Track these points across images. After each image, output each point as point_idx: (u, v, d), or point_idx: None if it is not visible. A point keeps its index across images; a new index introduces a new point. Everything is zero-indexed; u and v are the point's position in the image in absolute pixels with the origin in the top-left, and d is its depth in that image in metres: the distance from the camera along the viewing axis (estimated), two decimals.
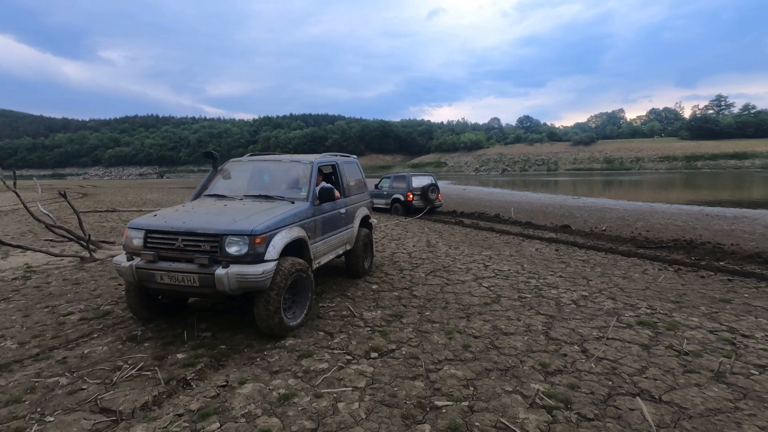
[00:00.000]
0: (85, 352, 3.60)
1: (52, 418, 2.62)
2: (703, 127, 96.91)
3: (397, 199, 15.12)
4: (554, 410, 2.70)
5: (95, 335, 3.98)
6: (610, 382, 3.06)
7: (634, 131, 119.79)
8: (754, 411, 2.68)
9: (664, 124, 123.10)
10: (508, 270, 6.56)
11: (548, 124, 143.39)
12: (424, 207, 14.82)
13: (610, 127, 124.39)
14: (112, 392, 2.92)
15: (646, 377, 3.14)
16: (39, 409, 2.72)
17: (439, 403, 2.77)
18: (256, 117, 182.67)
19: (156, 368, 3.25)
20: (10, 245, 6.93)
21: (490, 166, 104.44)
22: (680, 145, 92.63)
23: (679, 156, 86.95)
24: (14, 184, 7.24)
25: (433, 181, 15.48)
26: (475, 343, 3.76)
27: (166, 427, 2.50)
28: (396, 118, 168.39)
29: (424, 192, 14.73)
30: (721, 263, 6.99)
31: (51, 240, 8.60)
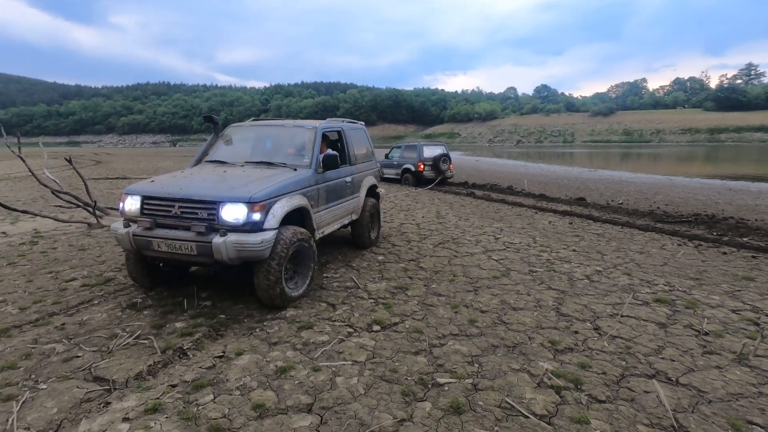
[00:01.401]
0: (84, 318, 3.55)
1: (45, 386, 2.57)
2: (730, 98, 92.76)
3: (408, 170, 14.79)
4: (563, 391, 2.55)
5: (95, 302, 3.94)
6: (624, 362, 2.89)
7: (656, 102, 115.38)
8: None
9: (689, 94, 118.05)
10: (519, 243, 6.35)
11: (566, 94, 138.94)
12: (435, 178, 14.46)
13: (632, 98, 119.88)
14: (107, 361, 2.86)
15: (662, 358, 2.96)
16: (33, 376, 2.68)
17: (442, 380, 2.65)
18: (268, 85, 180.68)
19: (153, 337, 3.18)
20: (17, 210, 6.92)
21: (504, 138, 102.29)
22: (704, 117, 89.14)
23: (702, 128, 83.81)
24: (19, 149, 7.16)
25: (445, 151, 15.07)
26: (482, 318, 3.61)
27: (158, 398, 2.43)
28: (409, 87, 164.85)
29: (436, 162, 14.33)
30: (744, 239, 6.67)
31: (60, 206, 8.61)
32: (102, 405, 2.39)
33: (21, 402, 2.39)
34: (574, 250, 5.94)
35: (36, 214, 7.42)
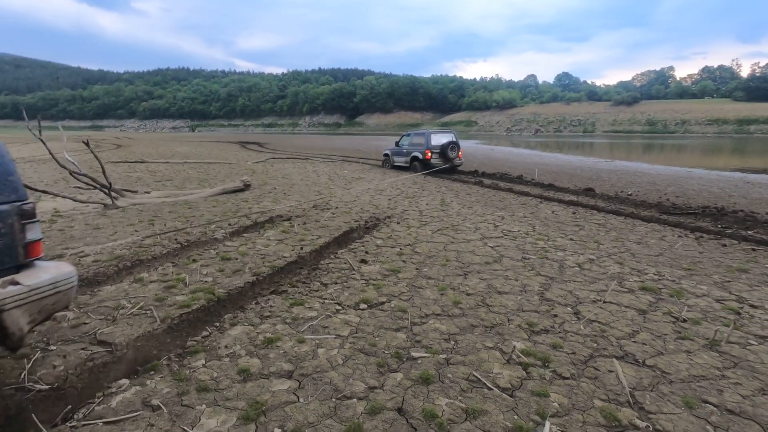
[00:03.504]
0: (94, 290, 3.83)
1: (54, 347, 2.83)
2: (761, 88, 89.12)
3: (416, 158, 14.83)
4: (530, 367, 2.69)
5: (105, 276, 4.22)
6: (595, 344, 3.01)
7: (682, 91, 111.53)
8: (741, 380, 2.60)
9: (718, 83, 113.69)
10: (518, 231, 6.43)
11: (589, 82, 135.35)
12: (443, 165, 14.34)
13: (657, 87, 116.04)
14: (111, 327, 3.12)
15: (634, 341, 3.07)
16: (45, 339, 2.95)
17: (416, 354, 2.82)
18: (286, 71, 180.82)
19: (153, 308, 3.43)
20: (39, 191, 7.30)
21: (522, 126, 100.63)
22: (733, 107, 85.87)
23: (730, 119, 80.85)
24: (40, 132, 7.50)
25: (454, 139, 15.00)
26: (466, 300, 3.76)
27: (153, 363, 2.66)
28: (428, 74, 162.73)
29: (443, 150, 14.26)
30: (749, 232, 6.60)
31: (79, 187, 9.01)
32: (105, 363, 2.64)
33: (32, 360, 2.66)
34: (572, 239, 6.00)
35: (56, 195, 7.80)
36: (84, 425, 2.11)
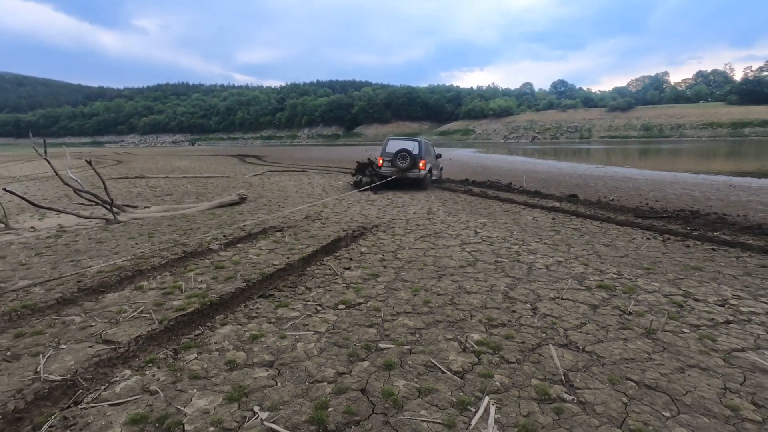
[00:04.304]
0: (99, 298, 4.22)
1: (64, 346, 3.21)
2: (755, 91, 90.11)
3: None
4: (482, 355, 3.07)
5: (108, 285, 4.61)
6: (544, 335, 3.39)
7: (677, 96, 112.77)
8: (665, 362, 2.97)
9: (712, 87, 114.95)
10: (496, 237, 6.82)
11: (585, 88, 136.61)
12: (393, 176, 12.80)
13: (652, 92, 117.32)
14: (115, 329, 3.50)
15: (580, 332, 3.45)
16: (56, 340, 3.33)
17: (383, 346, 3.20)
18: (284, 84, 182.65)
19: (152, 312, 3.81)
20: (44, 207, 7.71)
21: (519, 134, 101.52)
22: (727, 111, 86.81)
23: (724, 122, 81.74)
24: (45, 152, 7.95)
25: (414, 149, 12.89)
26: (435, 300, 4.14)
27: (151, 357, 3.05)
28: (425, 84, 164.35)
29: (395, 158, 12.73)
30: (715, 234, 6.99)
31: (82, 204, 9.43)
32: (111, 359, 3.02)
33: (46, 356, 3.04)
34: (545, 243, 6.39)
35: (60, 211, 8.21)
36: (92, 407, 2.49)
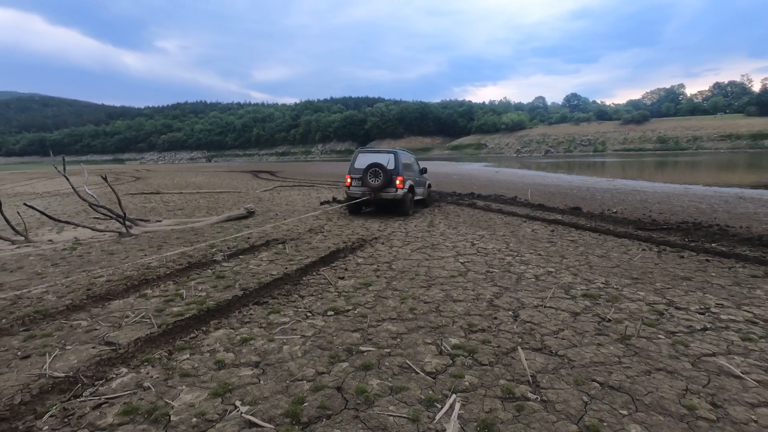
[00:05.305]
0: (105, 304, 4.50)
1: (70, 347, 3.47)
2: None
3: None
4: (457, 357, 3.22)
5: (115, 293, 4.90)
6: (521, 340, 3.52)
7: (694, 108, 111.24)
8: (633, 365, 3.07)
9: (730, 99, 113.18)
10: (492, 248, 6.95)
11: (599, 102, 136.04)
12: (363, 197, 10.32)
13: (667, 104, 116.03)
14: (117, 332, 3.75)
15: (556, 337, 3.57)
16: (62, 341, 3.59)
17: (364, 349, 3.37)
18: (298, 101, 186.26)
19: (152, 317, 4.06)
20: (62, 221, 8.14)
21: (532, 148, 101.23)
22: (746, 123, 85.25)
23: (743, 134, 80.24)
24: (64, 169, 8.42)
25: (389, 163, 10.31)
26: (421, 307, 4.30)
27: (147, 357, 3.28)
28: (438, 99, 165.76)
29: (365, 175, 10.22)
30: (712, 245, 6.99)
31: (97, 218, 9.88)
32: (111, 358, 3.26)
33: (53, 356, 3.30)
34: (539, 254, 6.49)
35: (77, 225, 8.65)
36: (90, 400, 2.72)
